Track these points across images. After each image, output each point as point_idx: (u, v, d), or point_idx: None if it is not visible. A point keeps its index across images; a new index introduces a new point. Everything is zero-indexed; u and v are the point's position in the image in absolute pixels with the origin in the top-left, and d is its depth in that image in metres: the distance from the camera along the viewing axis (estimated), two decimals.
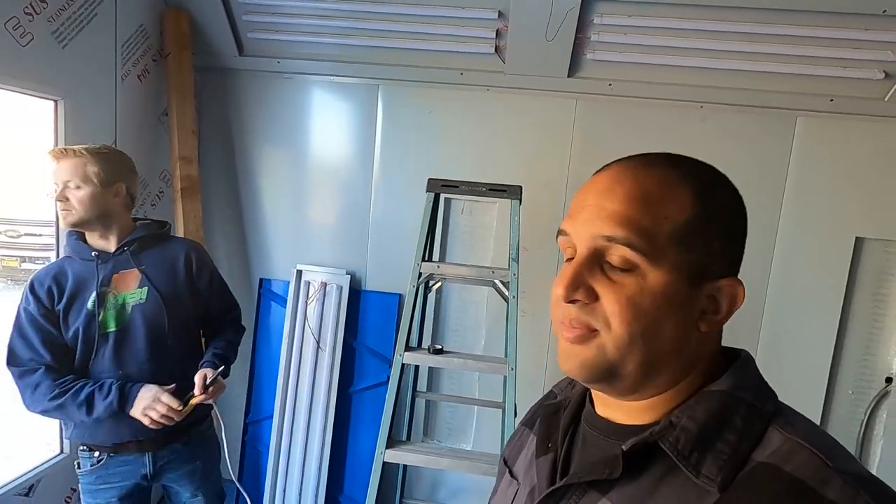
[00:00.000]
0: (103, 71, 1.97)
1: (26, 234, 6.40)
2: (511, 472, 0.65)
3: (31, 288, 1.40)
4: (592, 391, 0.58)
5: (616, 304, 0.48)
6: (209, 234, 2.47)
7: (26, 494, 1.81)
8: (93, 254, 1.42)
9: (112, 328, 1.42)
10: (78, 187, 1.38)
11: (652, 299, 0.47)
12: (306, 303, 2.45)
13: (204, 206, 2.39)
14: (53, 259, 1.90)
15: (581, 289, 0.49)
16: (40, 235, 6.09)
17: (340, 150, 2.46)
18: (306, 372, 2.44)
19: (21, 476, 1.83)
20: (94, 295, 1.40)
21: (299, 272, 2.46)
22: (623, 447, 0.49)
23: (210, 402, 1.50)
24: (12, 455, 3.30)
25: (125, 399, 1.39)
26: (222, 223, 2.53)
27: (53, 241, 1.90)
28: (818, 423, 2.19)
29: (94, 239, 1.45)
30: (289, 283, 2.46)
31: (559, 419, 0.60)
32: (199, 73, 2.37)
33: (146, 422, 1.38)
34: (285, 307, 2.47)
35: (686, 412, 0.48)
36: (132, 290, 1.45)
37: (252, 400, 2.56)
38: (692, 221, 0.48)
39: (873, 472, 1.98)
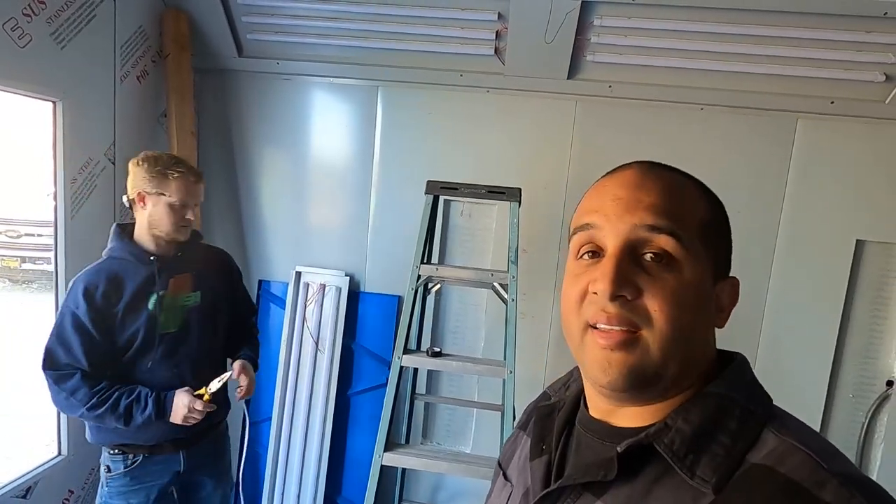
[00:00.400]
0: (102, 72, 1.96)
1: (26, 235, 6.41)
2: (505, 475, 0.65)
3: (84, 291, 1.42)
4: (591, 402, 0.57)
5: (662, 300, 0.47)
6: (208, 235, 2.46)
7: (24, 496, 1.81)
8: (151, 258, 1.49)
9: (172, 329, 1.51)
10: (196, 205, 1.55)
11: (693, 293, 0.48)
12: (305, 304, 2.45)
13: (202, 207, 2.38)
14: (52, 259, 1.90)
15: (628, 285, 0.47)
16: (40, 236, 6.10)
17: (340, 152, 2.45)
18: (305, 374, 2.44)
19: (19, 478, 1.82)
20: (155, 297, 1.47)
21: (298, 274, 2.45)
22: (618, 449, 0.48)
23: (241, 398, 1.63)
24: (11, 455, 3.29)
25: (162, 410, 1.45)
26: (221, 224, 2.53)
27: (52, 241, 1.90)
28: (819, 426, 2.21)
29: (153, 243, 1.51)
30: (288, 284, 2.46)
31: (553, 421, 0.60)
32: (198, 75, 2.36)
33: (186, 423, 1.46)
34: (284, 309, 2.46)
35: (681, 414, 0.49)
36: (187, 293, 1.55)
37: (251, 401, 2.54)
38: (712, 220, 0.51)
39: (874, 476, 1.99)
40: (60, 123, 1.81)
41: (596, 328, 0.49)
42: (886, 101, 2.02)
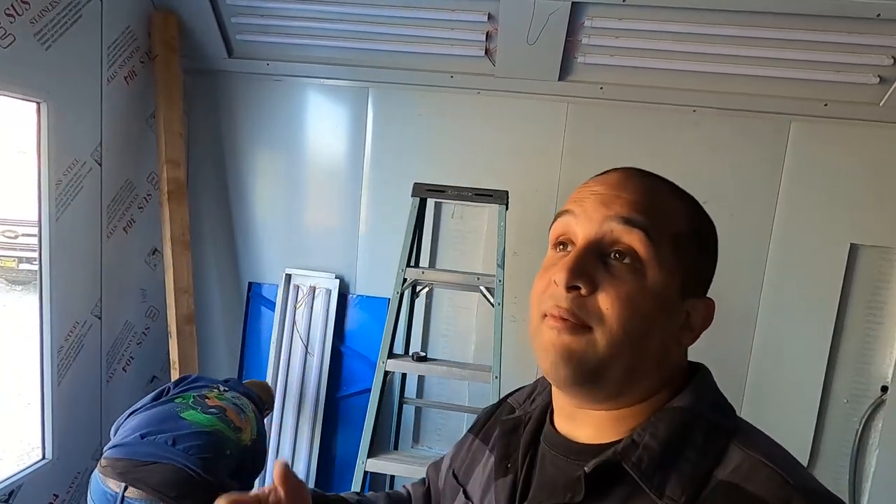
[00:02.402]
0: (89, 73, 1.95)
1: (24, 235, 6.41)
2: (465, 492, 0.62)
3: None
4: (556, 404, 0.56)
5: (615, 299, 0.46)
6: (197, 237, 2.45)
7: (6, 500, 1.79)
8: None
9: None
10: None
11: (652, 300, 0.47)
12: (295, 307, 2.43)
13: (192, 209, 2.38)
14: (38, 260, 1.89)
15: (585, 276, 0.46)
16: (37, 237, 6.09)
17: (330, 153, 2.44)
18: (294, 376, 2.42)
19: (2, 482, 1.80)
20: None
21: (288, 276, 2.44)
22: (585, 469, 0.47)
23: None
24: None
25: None
26: (211, 226, 2.52)
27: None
28: (813, 432, 2.19)
29: None
30: (278, 286, 2.44)
31: (518, 437, 0.58)
32: (187, 76, 2.35)
33: None
34: (274, 311, 2.45)
35: (648, 430, 0.48)
36: None
37: None
38: (689, 232, 0.49)
39: (869, 481, 1.94)
40: (45, 124, 1.80)
41: (555, 315, 0.48)
42: (881, 104, 2.00)
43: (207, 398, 1.72)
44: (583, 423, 0.52)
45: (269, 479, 2.32)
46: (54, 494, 1.99)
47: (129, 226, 2.23)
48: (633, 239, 0.47)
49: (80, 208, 1.96)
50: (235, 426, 1.66)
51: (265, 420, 1.96)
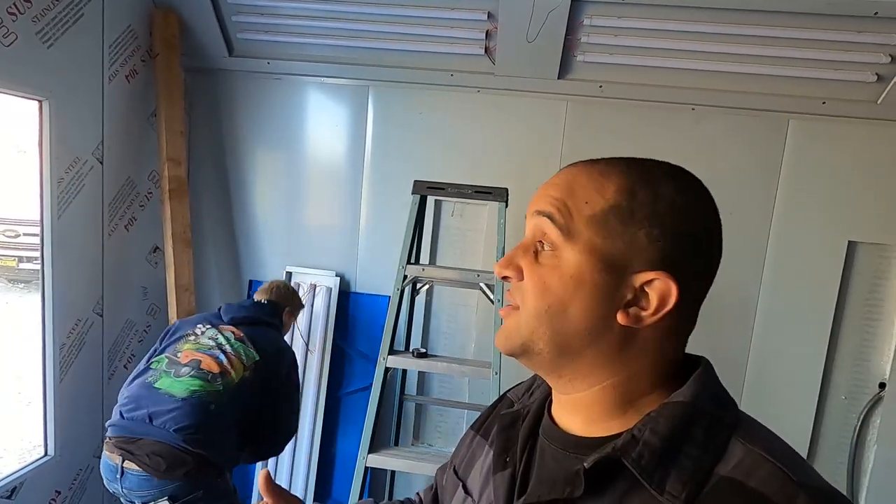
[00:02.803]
0: (90, 71, 1.96)
1: (25, 234, 6.41)
2: (465, 487, 0.63)
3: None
4: (551, 395, 0.57)
5: (531, 282, 0.51)
6: (198, 235, 2.46)
7: (9, 497, 1.80)
8: None
9: None
10: None
11: (560, 278, 0.50)
12: None
13: (193, 207, 2.38)
14: (40, 259, 1.89)
15: (511, 267, 0.53)
16: (37, 235, 6.10)
17: (331, 152, 2.45)
18: None
19: (4, 478, 1.82)
20: None
21: (289, 274, 2.45)
22: (585, 464, 0.47)
23: None
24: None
25: None
26: (212, 224, 2.52)
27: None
28: (811, 428, 2.20)
29: None
30: None
31: (517, 431, 0.58)
32: (188, 74, 2.36)
33: None
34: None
35: (648, 425, 0.47)
36: None
37: None
38: (610, 209, 0.49)
39: (867, 477, 1.95)
40: (47, 122, 1.81)
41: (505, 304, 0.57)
42: (878, 102, 2.01)
43: (181, 353, 1.66)
44: (571, 410, 0.53)
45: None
46: (56, 491, 2.00)
47: (131, 224, 2.23)
48: (545, 226, 0.51)
49: (81, 206, 1.96)
50: (214, 375, 1.59)
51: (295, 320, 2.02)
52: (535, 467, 0.55)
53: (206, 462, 1.51)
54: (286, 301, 1.95)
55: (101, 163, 2.04)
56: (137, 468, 1.46)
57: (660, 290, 0.48)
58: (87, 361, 2.07)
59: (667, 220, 0.49)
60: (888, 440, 2.18)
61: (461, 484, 0.64)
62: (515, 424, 0.59)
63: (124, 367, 2.28)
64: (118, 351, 2.24)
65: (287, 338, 2.44)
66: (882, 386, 2.19)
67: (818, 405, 2.21)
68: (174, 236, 2.21)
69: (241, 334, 1.71)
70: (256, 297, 1.95)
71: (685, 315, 0.51)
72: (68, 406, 2.00)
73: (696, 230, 0.50)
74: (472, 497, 0.61)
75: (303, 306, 2.12)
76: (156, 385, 1.59)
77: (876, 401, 2.20)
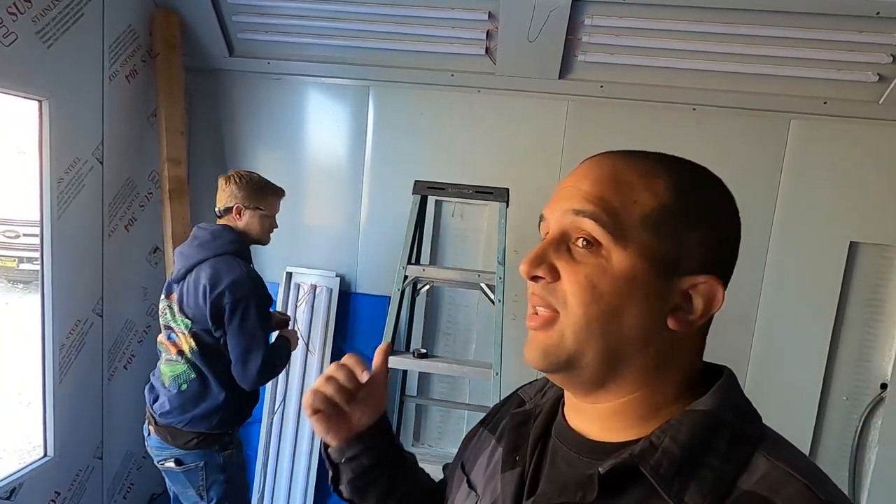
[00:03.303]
0: (90, 71, 1.96)
1: (25, 235, 6.41)
2: (469, 482, 0.62)
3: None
4: (564, 397, 0.55)
5: (575, 284, 0.47)
6: None
7: (8, 498, 1.80)
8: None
9: None
10: None
11: (612, 281, 0.46)
12: (296, 305, 2.44)
13: (193, 207, 2.38)
14: (39, 259, 1.89)
15: (543, 265, 0.48)
16: (37, 236, 6.09)
17: (331, 152, 2.44)
18: (295, 375, 2.42)
19: (3, 479, 1.81)
20: None
21: (289, 274, 2.44)
22: (600, 470, 0.45)
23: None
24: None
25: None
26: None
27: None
28: (812, 430, 2.19)
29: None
30: (278, 285, 2.44)
31: (528, 430, 0.57)
32: (188, 74, 2.35)
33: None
34: (275, 310, 2.45)
35: (668, 432, 0.46)
36: None
37: None
38: (664, 209, 0.47)
39: (868, 478, 1.93)
40: (47, 122, 1.80)
41: (531, 311, 0.51)
42: (880, 102, 2.00)
43: (161, 343, 1.71)
44: (590, 417, 0.51)
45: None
46: (56, 492, 1.99)
47: (131, 224, 2.23)
48: (588, 226, 0.47)
49: (81, 207, 1.96)
50: (175, 356, 1.63)
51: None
52: (546, 468, 0.53)
53: (207, 436, 1.62)
54: (234, 199, 1.66)
55: (101, 163, 2.03)
56: (155, 434, 1.67)
57: (706, 293, 0.47)
58: (86, 362, 2.06)
59: (716, 223, 0.49)
60: (890, 441, 2.17)
61: (466, 479, 0.62)
62: (527, 423, 0.58)
63: (124, 367, 2.28)
64: (118, 351, 2.24)
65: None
66: (884, 387, 2.18)
67: (819, 406, 2.20)
68: (174, 236, 2.21)
69: (175, 300, 1.65)
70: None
71: (711, 318, 0.50)
72: (68, 407, 1.99)
73: (736, 232, 0.51)
74: (475, 492, 0.59)
75: (268, 193, 1.72)
76: (159, 369, 1.72)
77: (877, 402, 2.19)
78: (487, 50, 2.15)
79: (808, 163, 2.13)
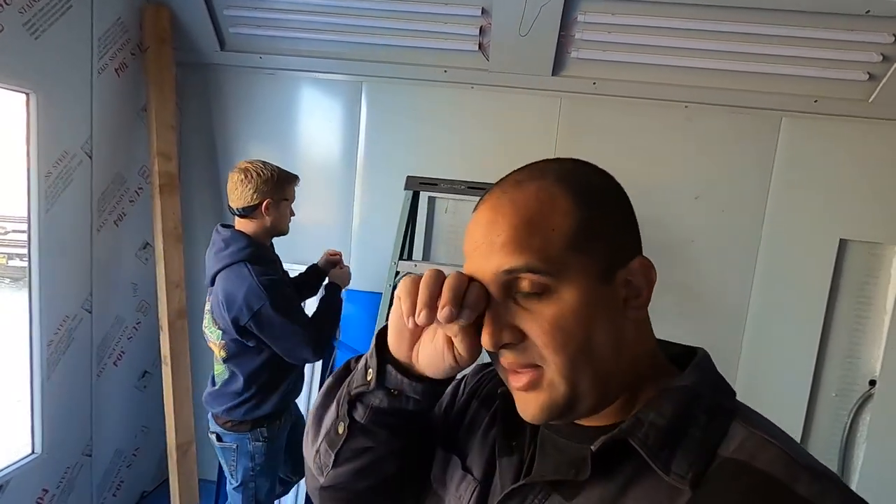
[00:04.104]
0: (78, 64, 1.93)
1: (14, 231, 6.35)
2: (464, 464, 0.59)
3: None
4: None
5: (543, 335, 0.46)
6: (189, 231, 2.43)
7: None
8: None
9: None
10: None
11: (573, 316, 0.46)
12: None
13: (184, 202, 2.36)
14: (27, 255, 1.87)
15: (505, 330, 0.46)
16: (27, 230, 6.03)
17: (323, 148, 2.43)
18: None
19: None
20: None
21: None
22: (592, 448, 0.47)
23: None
24: None
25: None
26: (203, 221, 2.50)
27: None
28: (802, 425, 2.21)
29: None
30: None
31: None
32: (179, 69, 2.33)
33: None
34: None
35: (652, 408, 0.47)
36: None
37: None
38: (579, 224, 0.47)
39: (857, 474, 1.95)
40: (34, 116, 1.78)
41: (510, 371, 0.49)
42: (870, 100, 2.02)
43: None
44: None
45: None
46: (44, 489, 1.97)
47: (120, 219, 2.21)
48: (528, 280, 0.46)
49: (70, 201, 1.94)
50: (217, 356, 1.72)
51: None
52: (537, 455, 0.54)
53: (240, 422, 1.71)
54: (261, 195, 1.60)
55: (90, 157, 2.01)
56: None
57: (641, 271, 0.49)
58: (75, 358, 2.04)
59: (616, 206, 0.50)
60: (878, 437, 2.19)
61: (460, 462, 0.60)
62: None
63: (113, 364, 2.26)
64: (107, 348, 2.22)
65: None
66: (872, 383, 2.20)
67: (809, 402, 2.22)
68: (165, 232, 2.19)
69: (208, 308, 1.70)
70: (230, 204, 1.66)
71: None
72: (56, 404, 1.97)
73: (630, 205, 0.52)
74: (472, 475, 0.58)
75: (290, 181, 1.69)
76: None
77: (866, 398, 2.21)
78: (480, 46, 2.14)
79: (798, 161, 2.14)
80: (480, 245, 0.48)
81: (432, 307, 0.46)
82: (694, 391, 0.48)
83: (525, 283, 0.46)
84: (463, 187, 1.72)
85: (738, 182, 2.18)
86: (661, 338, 0.55)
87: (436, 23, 2.11)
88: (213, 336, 1.67)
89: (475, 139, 2.29)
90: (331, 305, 1.75)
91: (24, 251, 1.89)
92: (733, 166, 2.18)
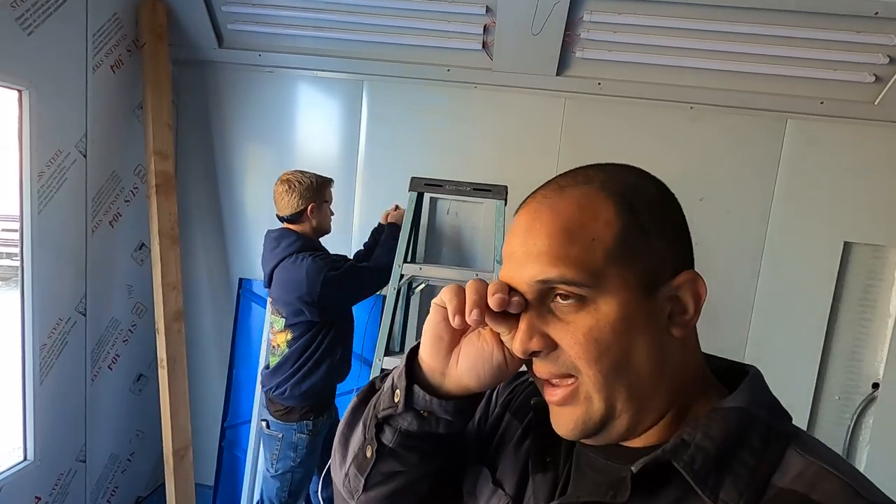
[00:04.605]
0: (73, 61, 1.88)
1: (4, 230, 6.25)
2: (494, 477, 0.57)
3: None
4: None
5: (577, 346, 0.44)
6: (186, 231, 2.39)
7: None
8: None
9: None
10: None
11: (610, 329, 0.44)
12: None
13: (181, 203, 2.31)
14: (19, 254, 1.82)
15: (537, 338, 0.45)
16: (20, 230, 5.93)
17: (323, 148, 2.39)
18: None
19: None
20: None
21: None
22: (632, 469, 0.44)
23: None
24: None
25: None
26: (200, 221, 2.46)
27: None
28: (805, 428, 2.18)
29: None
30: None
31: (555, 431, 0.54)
32: (176, 66, 2.29)
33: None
34: (265, 308, 2.39)
35: (699, 429, 0.44)
36: None
37: (230, 403, 2.48)
38: (623, 234, 0.45)
39: None
40: (27, 113, 1.73)
41: (546, 381, 0.47)
42: (875, 103, 2.01)
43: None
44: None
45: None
46: (36, 497, 1.92)
47: (115, 220, 2.16)
48: (563, 291, 0.44)
49: (63, 201, 1.89)
50: (273, 349, 1.91)
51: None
52: (573, 472, 0.52)
53: (291, 410, 1.83)
54: (305, 201, 1.80)
55: (85, 156, 1.96)
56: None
57: (690, 287, 0.46)
58: (69, 362, 1.99)
59: (668, 218, 0.47)
60: (881, 440, 2.19)
61: (491, 476, 0.57)
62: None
63: (108, 368, 2.21)
64: (102, 351, 2.17)
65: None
66: (875, 386, 2.20)
67: (812, 405, 2.22)
68: (161, 232, 2.14)
69: (270, 302, 1.93)
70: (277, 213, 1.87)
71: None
72: (49, 408, 1.92)
73: (683, 218, 0.49)
74: (503, 491, 0.55)
75: (326, 185, 1.87)
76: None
77: (869, 401, 2.21)
78: (484, 45, 2.11)
79: (803, 163, 2.13)
80: (517, 251, 0.46)
81: (482, 306, 0.45)
82: (746, 413, 0.45)
83: (561, 293, 0.45)
84: (468, 189, 1.69)
85: (743, 184, 2.17)
86: None
87: (439, 21, 2.08)
88: (277, 326, 1.86)
89: (478, 140, 2.26)
90: (388, 238, 1.92)
91: (16, 250, 1.84)
92: (738, 168, 2.17)
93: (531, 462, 0.54)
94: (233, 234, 2.46)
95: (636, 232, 0.45)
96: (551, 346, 0.45)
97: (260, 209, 2.44)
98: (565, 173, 0.49)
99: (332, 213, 1.92)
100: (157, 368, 2.20)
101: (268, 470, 1.90)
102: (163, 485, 2.23)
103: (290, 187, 1.79)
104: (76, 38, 1.88)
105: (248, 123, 2.39)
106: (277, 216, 1.84)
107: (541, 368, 0.46)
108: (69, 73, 1.87)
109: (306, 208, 1.80)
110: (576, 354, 0.44)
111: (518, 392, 0.63)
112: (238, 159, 2.42)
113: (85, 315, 2.05)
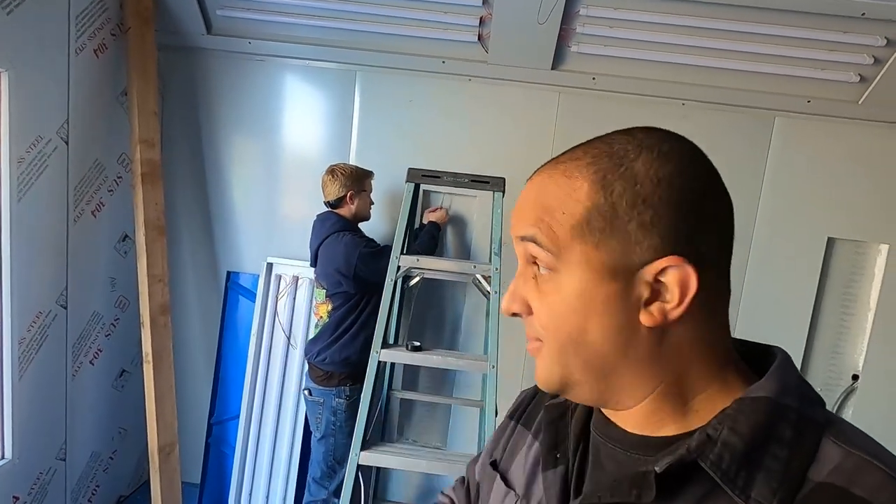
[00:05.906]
0: (55, 43, 1.80)
1: None
2: (505, 480, 0.58)
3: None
4: None
5: (542, 315, 0.47)
6: (172, 223, 2.32)
7: None
8: None
9: None
10: None
11: (566, 304, 0.45)
12: (277, 297, 2.34)
13: (167, 193, 2.24)
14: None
15: (517, 302, 0.49)
16: None
17: (315, 139, 2.35)
18: (276, 370, 2.33)
19: None
20: None
21: (270, 265, 2.34)
22: (657, 469, 0.42)
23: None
24: None
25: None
26: (187, 212, 2.39)
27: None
28: None
29: None
30: (258, 276, 2.34)
31: (567, 424, 0.54)
32: (162, 52, 2.22)
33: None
34: (254, 302, 2.35)
35: (725, 423, 0.42)
36: None
37: (217, 399, 2.43)
38: (589, 213, 0.44)
39: None
40: (6, 96, 1.65)
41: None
42: (860, 102, 2.07)
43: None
44: (624, 413, 0.49)
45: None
46: (14, 497, 1.85)
47: (98, 209, 2.09)
48: (533, 250, 0.46)
49: (44, 189, 1.82)
50: (317, 322, 2.09)
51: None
52: (589, 467, 0.50)
53: (331, 376, 1.99)
54: (345, 189, 2.01)
55: (67, 143, 1.89)
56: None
57: (676, 276, 0.42)
58: (49, 357, 1.92)
59: (654, 200, 0.43)
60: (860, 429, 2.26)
61: (499, 476, 0.59)
62: (564, 417, 0.54)
63: (90, 362, 2.14)
64: (84, 345, 2.10)
65: (267, 332, 2.35)
66: (855, 378, 2.27)
67: None
68: (147, 223, 2.08)
69: (314, 278, 2.10)
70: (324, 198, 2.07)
71: (716, 292, 0.46)
72: (28, 405, 1.85)
73: (690, 198, 0.44)
74: (514, 491, 0.56)
75: (366, 176, 2.07)
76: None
77: (849, 392, 2.28)
78: (480, 37, 2.10)
79: (790, 160, 2.18)
80: (516, 213, 0.50)
81: None
82: (776, 403, 0.42)
83: (537, 259, 0.47)
84: (466, 180, 1.68)
85: (731, 180, 2.11)
86: None
87: (435, 11, 2.06)
88: (319, 298, 2.06)
89: (472, 132, 2.25)
90: (426, 233, 2.11)
91: None
92: (727, 165, 2.13)
93: (542, 459, 0.53)
94: (220, 226, 2.40)
95: (606, 211, 0.43)
96: (528, 311, 0.48)
97: (248, 201, 2.39)
98: (581, 143, 0.49)
99: (372, 203, 2.10)
100: (140, 363, 2.13)
101: (314, 435, 2.08)
102: (145, 483, 2.17)
103: (333, 176, 2.01)
104: (58, 19, 1.80)
105: (236, 113, 2.34)
106: (324, 202, 2.06)
107: (526, 329, 0.50)
108: (50, 55, 1.79)
109: (346, 195, 2.01)
110: (541, 323, 0.47)
111: (525, 401, 0.65)
112: (226, 150, 2.36)
113: (66, 308, 1.97)
